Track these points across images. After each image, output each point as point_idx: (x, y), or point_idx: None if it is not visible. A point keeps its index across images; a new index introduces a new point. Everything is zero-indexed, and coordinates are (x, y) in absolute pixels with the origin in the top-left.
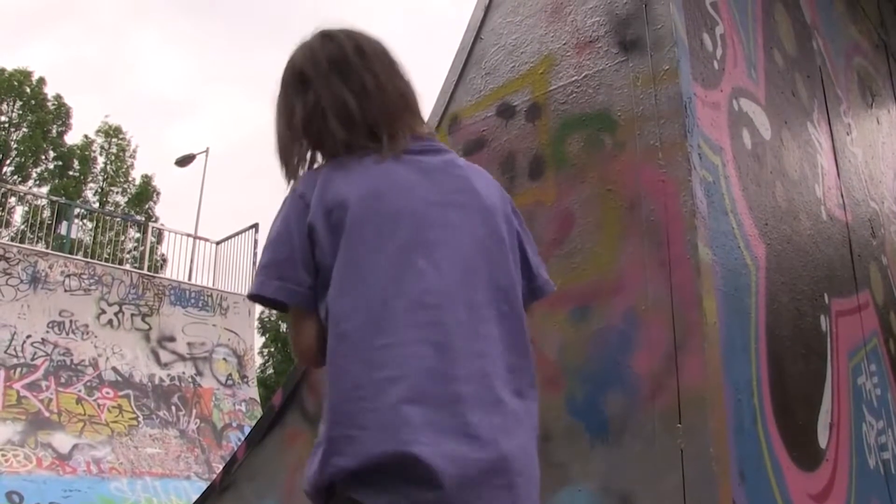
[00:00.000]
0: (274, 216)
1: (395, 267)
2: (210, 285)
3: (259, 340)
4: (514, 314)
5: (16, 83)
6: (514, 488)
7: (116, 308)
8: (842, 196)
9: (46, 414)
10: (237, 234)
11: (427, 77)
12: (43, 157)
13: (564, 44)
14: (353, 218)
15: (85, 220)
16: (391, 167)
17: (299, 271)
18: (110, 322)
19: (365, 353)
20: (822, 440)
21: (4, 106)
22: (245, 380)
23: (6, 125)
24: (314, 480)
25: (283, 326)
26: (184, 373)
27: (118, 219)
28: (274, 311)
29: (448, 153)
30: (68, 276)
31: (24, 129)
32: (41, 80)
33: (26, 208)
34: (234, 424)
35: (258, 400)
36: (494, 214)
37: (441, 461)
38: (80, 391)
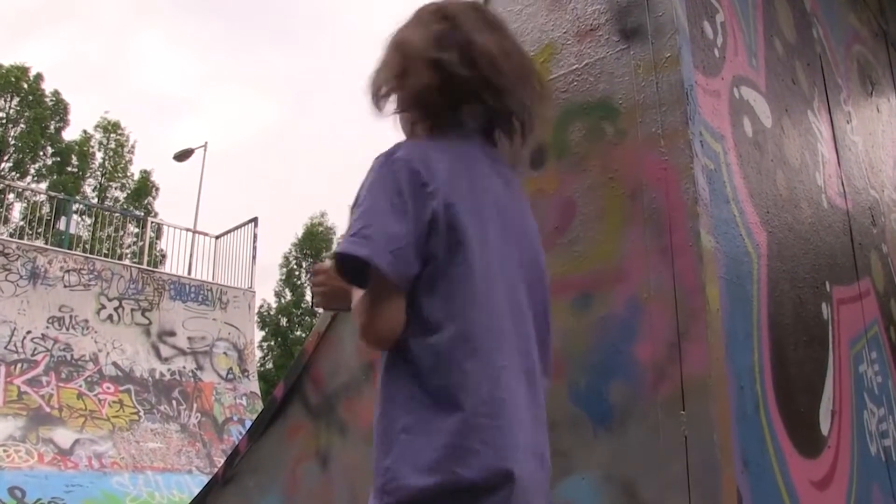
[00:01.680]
0: (370, 177)
1: (508, 291)
2: (210, 279)
3: (259, 334)
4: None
5: (13, 79)
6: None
7: (116, 303)
8: (842, 184)
9: (47, 409)
10: (236, 228)
11: None
12: (41, 153)
13: (565, 32)
14: (474, 225)
15: (84, 216)
16: (493, 171)
17: (412, 253)
18: (110, 317)
19: (491, 371)
20: (824, 427)
21: (2, 102)
22: (245, 374)
23: (4, 121)
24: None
25: (283, 321)
26: (184, 367)
27: (117, 214)
28: (274, 306)
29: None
30: (68, 271)
31: (22, 125)
32: (39, 76)
33: (25, 204)
34: (235, 418)
35: (259, 394)
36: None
37: (527, 480)
38: (80, 386)
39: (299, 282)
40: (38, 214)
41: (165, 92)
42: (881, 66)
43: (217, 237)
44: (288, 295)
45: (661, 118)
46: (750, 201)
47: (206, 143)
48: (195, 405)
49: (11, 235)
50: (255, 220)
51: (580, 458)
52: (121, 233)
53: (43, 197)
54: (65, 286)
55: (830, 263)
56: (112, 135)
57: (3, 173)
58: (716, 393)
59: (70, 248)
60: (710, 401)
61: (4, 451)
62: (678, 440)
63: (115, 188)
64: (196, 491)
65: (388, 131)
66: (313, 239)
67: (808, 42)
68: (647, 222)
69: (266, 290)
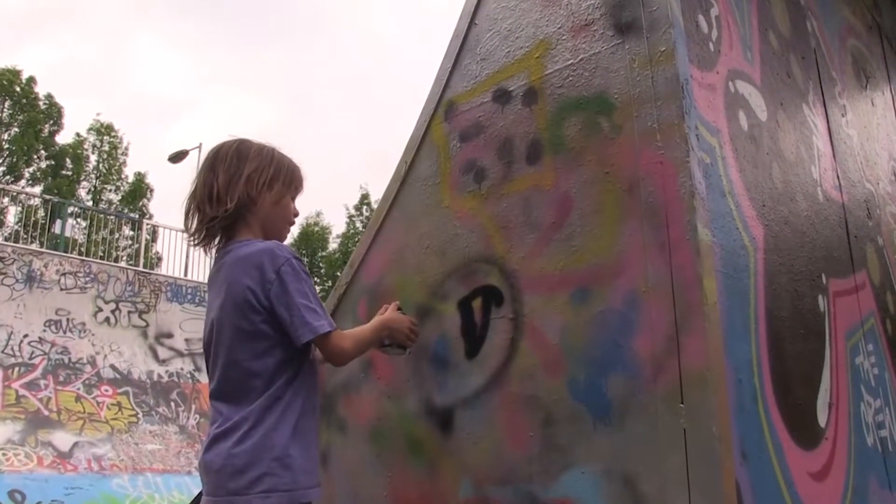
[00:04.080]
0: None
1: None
2: (206, 280)
3: None
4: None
5: (5, 82)
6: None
7: (113, 306)
8: (838, 177)
9: (46, 412)
10: None
11: (424, 70)
12: (35, 157)
13: (560, 27)
14: None
15: (79, 219)
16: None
17: None
18: (107, 320)
19: None
20: (822, 419)
21: None
22: None
23: None
24: None
25: None
26: (182, 369)
27: (112, 217)
28: None
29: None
30: (64, 274)
31: (16, 129)
32: (31, 79)
33: (19, 208)
34: None
35: None
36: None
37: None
38: (78, 389)
39: None
40: (33, 218)
41: (160, 94)
42: (875, 60)
43: None
44: None
45: (656, 112)
46: (746, 195)
47: (200, 144)
48: (193, 406)
49: (7, 239)
50: None
51: (580, 452)
52: (116, 235)
53: (38, 200)
54: (61, 289)
55: (827, 256)
56: (105, 137)
57: None
58: (714, 386)
59: (66, 251)
60: (709, 393)
61: (4, 454)
62: (677, 433)
63: (110, 190)
64: (196, 491)
65: (383, 132)
66: (309, 239)
67: (802, 36)
68: (644, 216)
69: None
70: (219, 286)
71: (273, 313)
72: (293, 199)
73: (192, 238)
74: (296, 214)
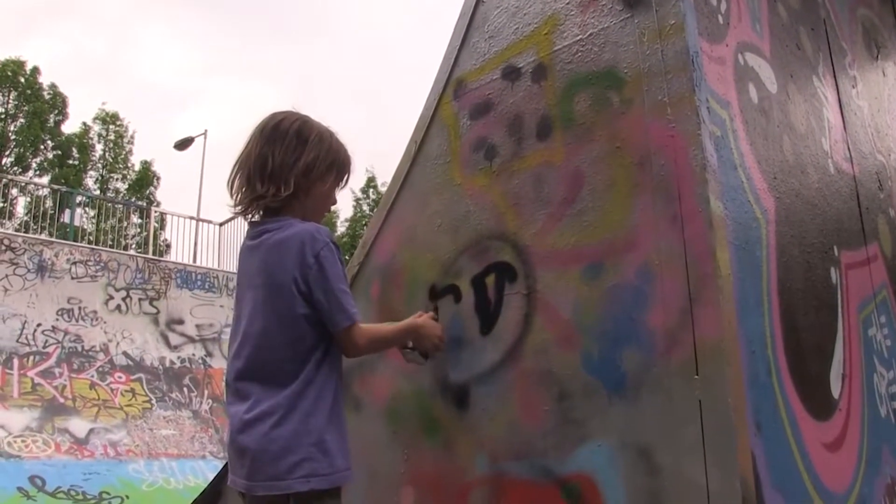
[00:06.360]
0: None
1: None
2: (216, 267)
3: None
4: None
5: (9, 73)
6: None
7: (124, 293)
8: (848, 149)
9: (61, 400)
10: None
11: (428, 62)
12: (42, 147)
13: (568, 3)
14: None
15: (87, 208)
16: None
17: None
18: (118, 307)
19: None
20: (835, 390)
21: (0, 97)
22: None
23: (3, 116)
24: None
25: None
26: (194, 354)
27: (120, 205)
28: None
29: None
30: (74, 263)
31: (21, 120)
32: (35, 70)
33: (28, 199)
34: None
35: None
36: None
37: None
38: (92, 376)
39: None
40: (42, 208)
41: (165, 83)
42: (887, 30)
43: (221, 224)
44: None
45: (667, 86)
46: (757, 167)
47: (205, 130)
48: (206, 391)
49: (17, 230)
50: None
51: (595, 425)
52: (124, 223)
53: (46, 191)
54: (72, 278)
55: (838, 228)
56: (111, 126)
57: (4, 168)
58: (729, 357)
59: (75, 241)
60: (724, 365)
61: (23, 441)
62: (692, 405)
63: (117, 179)
64: (211, 476)
65: (386, 121)
66: None
67: (811, 7)
68: (655, 190)
69: None
70: (255, 267)
71: (310, 297)
72: (339, 188)
73: (234, 206)
74: (334, 202)
